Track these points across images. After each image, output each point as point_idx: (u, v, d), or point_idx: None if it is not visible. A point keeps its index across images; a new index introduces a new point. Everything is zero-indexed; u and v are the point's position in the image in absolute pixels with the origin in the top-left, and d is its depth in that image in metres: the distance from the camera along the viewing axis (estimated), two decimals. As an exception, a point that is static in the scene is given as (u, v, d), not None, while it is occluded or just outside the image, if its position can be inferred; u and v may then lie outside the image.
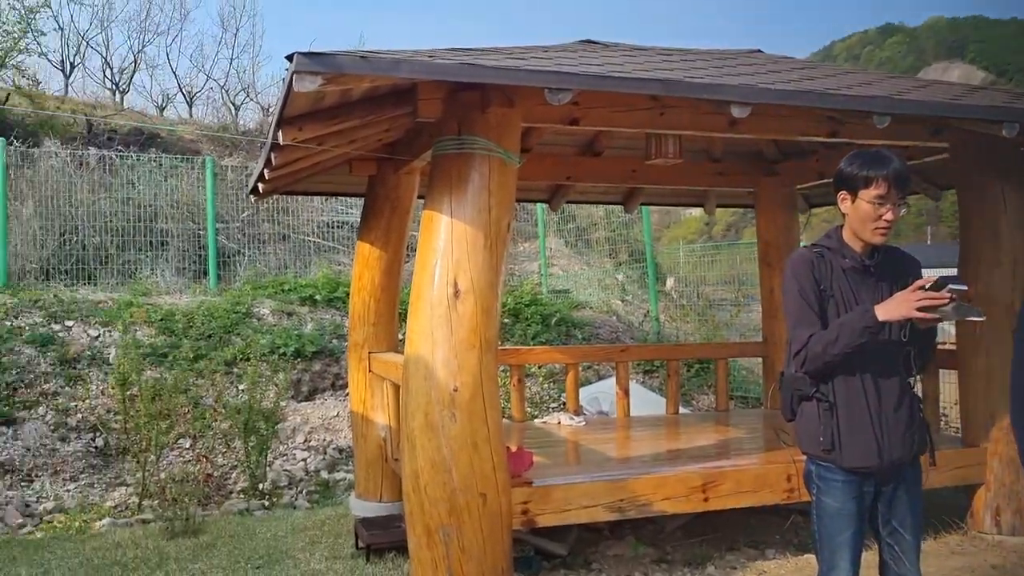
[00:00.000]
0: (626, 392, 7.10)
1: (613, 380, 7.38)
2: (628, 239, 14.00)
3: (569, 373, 7.16)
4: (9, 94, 16.18)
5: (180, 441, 7.80)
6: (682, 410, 7.62)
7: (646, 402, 8.12)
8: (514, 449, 4.50)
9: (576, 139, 6.73)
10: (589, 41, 5.68)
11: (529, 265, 13.96)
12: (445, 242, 3.96)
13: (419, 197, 6.17)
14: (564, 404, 7.97)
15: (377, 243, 6.06)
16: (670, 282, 14.18)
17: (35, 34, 17.45)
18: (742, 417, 7.60)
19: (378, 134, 5.09)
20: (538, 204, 12.86)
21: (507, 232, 4.11)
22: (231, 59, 25.94)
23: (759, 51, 6.47)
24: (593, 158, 6.85)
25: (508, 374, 7.58)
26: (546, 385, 9.76)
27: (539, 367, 9.72)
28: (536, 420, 7.42)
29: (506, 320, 10.47)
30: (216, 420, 7.74)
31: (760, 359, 8.12)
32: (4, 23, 16.33)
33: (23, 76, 17.53)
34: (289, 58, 3.30)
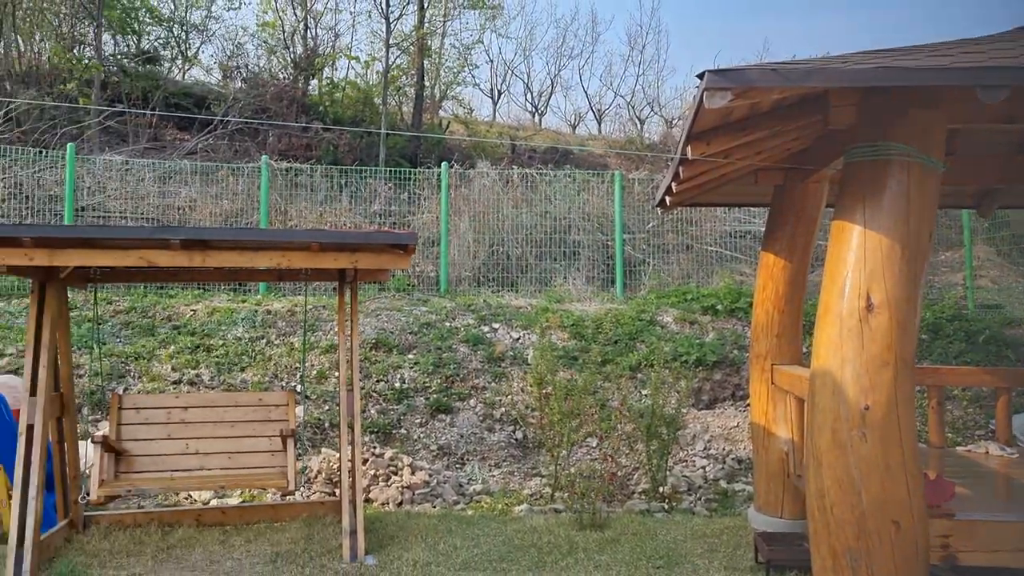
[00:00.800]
0: (1074, 424, 6.19)
1: (1057, 409, 6.47)
2: (1079, 247, 12.12)
3: (1000, 398, 6.42)
4: (449, 122, 18.58)
5: (588, 440, 8.34)
6: None
7: (1100, 437, 6.99)
8: (932, 476, 4.17)
9: (1011, 137, 6.01)
10: (1031, 27, 5.07)
11: (952, 276, 12.69)
12: (857, 253, 3.81)
13: (827, 206, 5.97)
14: (993, 432, 7.15)
15: (781, 253, 5.97)
16: None
17: (470, 68, 19.83)
18: None
19: (785, 144, 5.02)
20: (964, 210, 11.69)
21: (928, 243, 3.83)
22: (637, 75, 27.23)
23: None
24: (1034, 157, 6.07)
25: (925, 395, 6.99)
26: (970, 410, 8.81)
27: (962, 390, 8.84)
28: (958, 448, 6.75)
29: (923, 336, 9.66)
30: (620, 422, 8.14)
31: None
32: (446, 60, 18.81)
33: (460, 106, 20.03)
34: (700, 76, 3.42)
